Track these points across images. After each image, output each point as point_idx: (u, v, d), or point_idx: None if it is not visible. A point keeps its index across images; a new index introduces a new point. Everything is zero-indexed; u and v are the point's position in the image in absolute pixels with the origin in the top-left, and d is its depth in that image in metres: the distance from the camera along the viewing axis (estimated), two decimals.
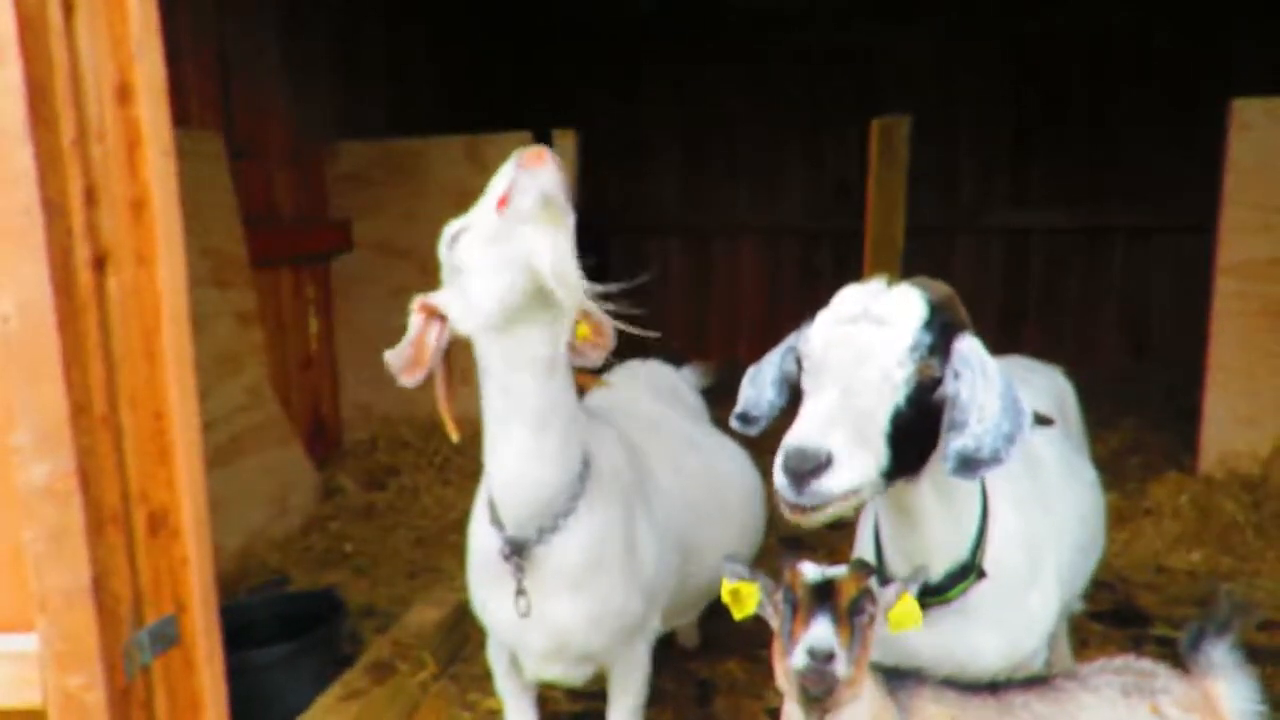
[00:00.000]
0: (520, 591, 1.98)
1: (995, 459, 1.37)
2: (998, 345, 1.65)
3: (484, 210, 1.80)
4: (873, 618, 1.51)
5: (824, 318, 1.49)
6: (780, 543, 3.94)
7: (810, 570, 1.50)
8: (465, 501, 4.41)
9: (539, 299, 1.73)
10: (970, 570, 1.66)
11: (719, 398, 3.13)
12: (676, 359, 3.28)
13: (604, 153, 7.40)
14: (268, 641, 2.76)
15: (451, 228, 1.79)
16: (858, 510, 1.71)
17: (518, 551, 1.94)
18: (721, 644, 3.12)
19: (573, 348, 1.89)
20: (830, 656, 1.40)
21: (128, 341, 1.68)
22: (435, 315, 1.90)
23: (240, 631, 2.70)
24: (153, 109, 1.67)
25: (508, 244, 1.71)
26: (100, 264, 1.63)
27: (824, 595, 1.46)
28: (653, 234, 7.89)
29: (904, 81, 7.12)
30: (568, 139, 4.93)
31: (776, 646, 1.54)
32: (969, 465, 1.38)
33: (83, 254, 1.59)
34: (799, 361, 1.52)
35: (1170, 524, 4.05)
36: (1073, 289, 7.20)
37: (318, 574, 3.90)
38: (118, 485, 1.68)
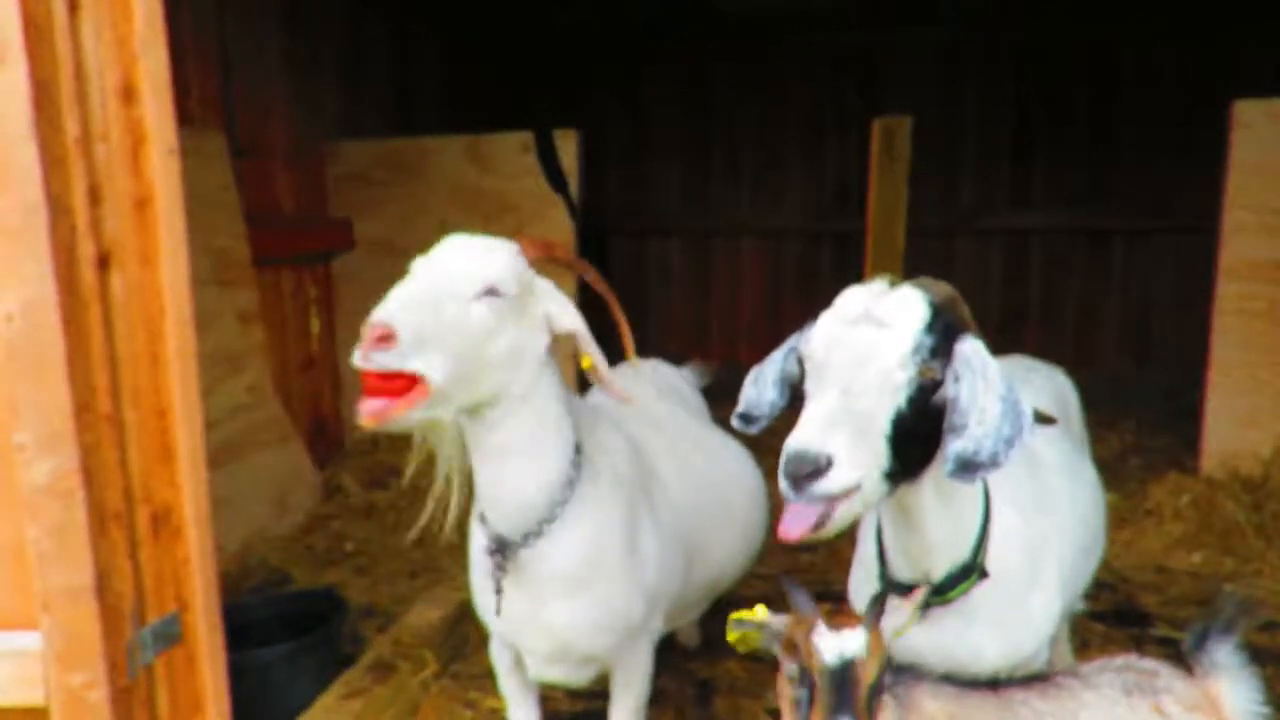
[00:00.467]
0: (498, 590, 2.00)
1: (994, 462, 1.37)
2: (998, 346, 1.65)
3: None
4: (888, 685, 1.47)
5: (826, 319, 1.49)
6: (779, 544, 3.94)
7: (827, 649, 1.40)
8: (466, 501, 4.43)
9: None
10: (972, 570, 1.66)
11: (719, 398, 3.14)
12: (676, 359, 3.29)
13: (605, 153, 7.41)
14: (269, 641, 2.76)
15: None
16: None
17: (500, 550, 1.96)
18: (722, 644, 3.09)
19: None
20: None
21: (131, 340, 1.69)
22: None
23: (242, 630, 2.70)
24: (157, 108, 1.68)
25: None
26: (104, 263, 1.63)
27: (843, 685, 1.38)
28: (654, 235, 7.89)
29: (905, 83, 7.12)
30: (570, 139, 4.94)
31: (786, 708, 1.49)
32: (967, 468, 1.38)
33: (87, 253, 1.59)
34: (801, 362, 1.52)
35: (1171, 525, 4.05)
36: (1073, 290, 7.20)
37: (319, 573, 3.90)
38: (120, 484, 1.68)
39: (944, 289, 1.50)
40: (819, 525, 1.36)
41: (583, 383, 2.14)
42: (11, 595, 1.65)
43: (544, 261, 1.91)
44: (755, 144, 7.64)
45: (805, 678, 1.43)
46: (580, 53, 7.68)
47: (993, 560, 1.68)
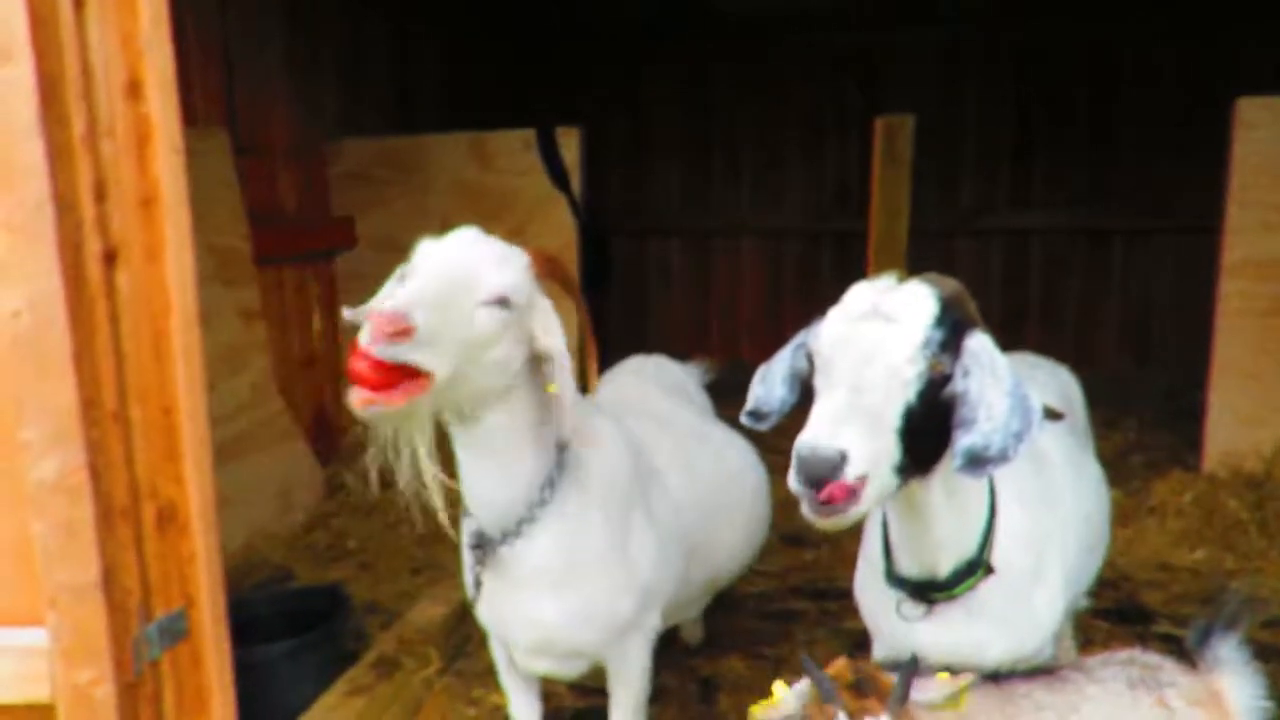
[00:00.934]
0: (477, 583, 2.03)
1: (1003, 457, 1.37)
2: (999, 346, 1.64)
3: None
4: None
5: (835, 315, 1.50)
6: (782, 539, 3.95)
7: None
8: (455, 495, 4.43)
9: None
10: (978, 567, 1.66)
11: (721, 396, 3.15)
12: (679, 358, 3.29)
13: (606, 153, 7.41)
14: (273, 637, 2.76)
15: (415, 256, 1.79)
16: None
17: (480, 545, 1.99)
18: (724, 641, 3.13)
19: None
20: None
21: (137, 337, 1.69)
22: None
23: (246, 627, 2.71)
24: (162, 105, 1.67)
25: None
26: (110, 259, 1.63)
27: None
28: (654, 234, 7.89)
29: (905, 83, 7.11)
30: (572, 137, 4.94)
31: None
32: (977, 463, 1.38)
33: (93, 249, 1.59)
34: (810, 358, 1.52)
35: (1174, 522, 4.06)
36: (1073, 290, 7.20)
37: (321, 570, 3.91)
38: (127, 480, 1.68)
39: (951, 285, 1.50)
40: (842, 510, 1.36)
41: (583, 381, 2.13)
42: (17, 592, 1.65)
43: (543, 278, 1.91)
44: (755, 144, 7.64)
45: None
46: (580, 52, 7.68)
47: (998, 556, 1.68)
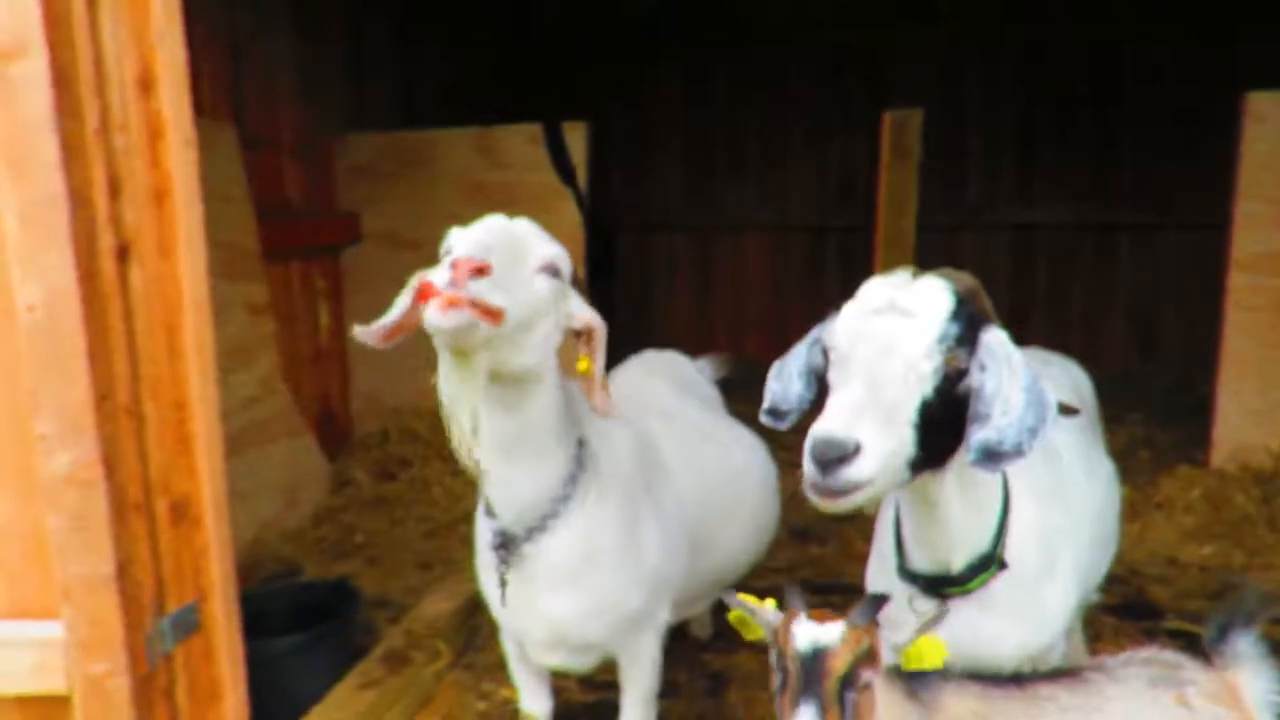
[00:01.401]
0: (502, 582, 2.03)
1: (1018, 451, 1.37)
2: None
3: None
4: (870, 683, 1.44)
5: (850, 310, 1.49)
6: (790, 535, 3.95)
7: (801, 638, 1.42)
8: (475, 493, 4.42)
9: None
10: (991, 561, 1.66)
11: (726, 391, 3.15)
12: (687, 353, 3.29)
13: (610, 149, 7.39)
14: (282, 631, 2.77)
15: (448, 238, 1.78)
16: (876, 502, 1.71)
17: (504, 544, 1.99)
18: (734, 635, 3.10)
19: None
20: None
21: (150, 332, 1.69)
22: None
23: (255, 621, 2.72)
24: (174, 99, 1.68)
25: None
26: (123, 254, 1.63)
27: (812, 672, 1.39)
28: (659, 230, 7.88)
29: (910, 78, 7.09)
30: (578, 132, 4.94)
31: (775, 706, 1.48)
32: (991, 457, 1.38)
33: (106, 244, 1.59)
34: (825, 354, 1.52)
35: (1182, 518, 4.05)
36: (1079, 285, 7.18)
37: (329, 565, 3.92)
38: (140, 474, 1.69)
39: (966, 279, 1.50)
40: (837, 497, 1.36)
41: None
42: (33, 585, 1.66)
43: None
44: (760, 139, 7.62)
45: (780, 664, 1.45)
46: (583, 48, 7.66)
47: (1012, 551, 1.68)
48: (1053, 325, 7.13)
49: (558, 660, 2.18)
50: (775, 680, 1.47)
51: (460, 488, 4.59)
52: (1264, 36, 6.16)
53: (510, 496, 1.94)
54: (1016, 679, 1.58)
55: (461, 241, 1.66)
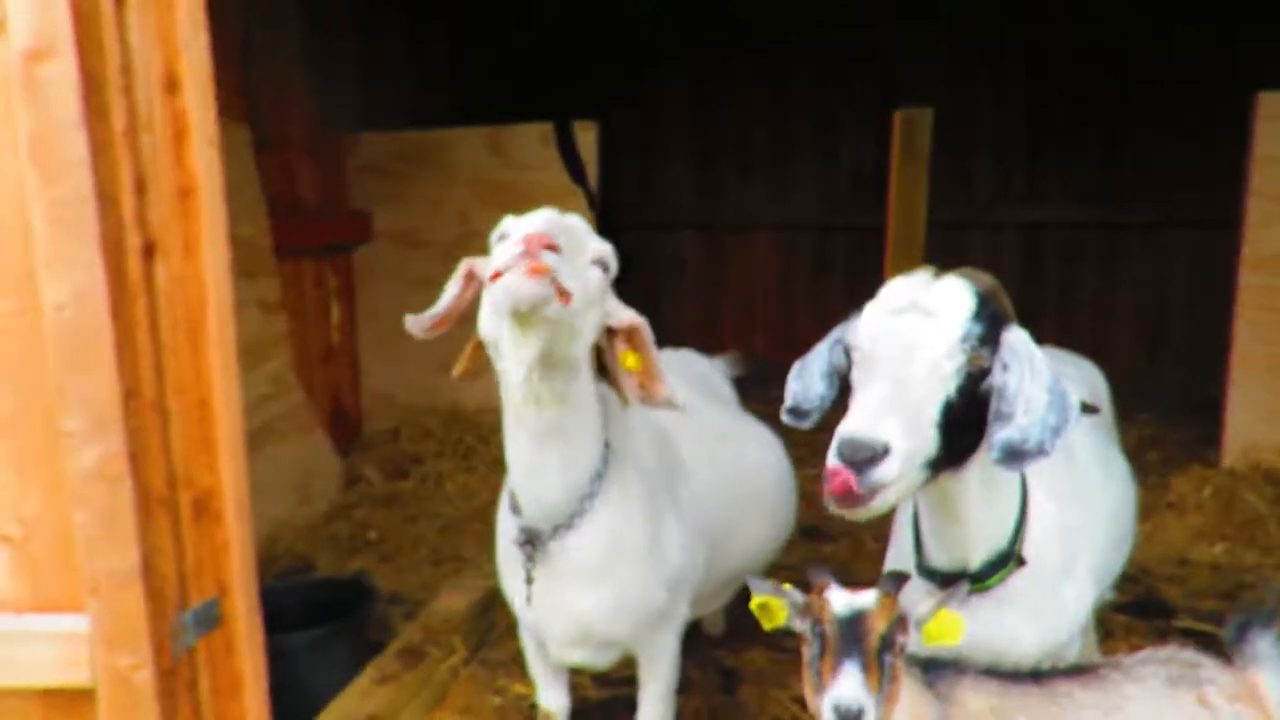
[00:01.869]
0: (528, 580, 2.03)
1: (1041, 450, 1.38)
2: None
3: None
4: (904, 647, 1.48)
5: (873, 309, 1.50)
6: (801, 533, 3.95)
7: (838, 603, 1.47)
8: (488, 490, 4.49)
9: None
10: (1009, 559, 1.67)
11: (739, 390, 3.17)
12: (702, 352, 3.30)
13: (618, 147, 7.40)
14: (297, 627, 2.79)
15: (502, 226, 1.79)
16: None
17: (530, 541, 2.00)
18: (747, 632, 3.14)
19: (616, 372, 1.92)
20: (859, 714, 1.38)
21: (174, 329, 1.71)
22: (475, 279, 1.94)
23: (273, 616, 2.74)
24: (199, 100, 1.70)
25: (495, 301, 1.70)
26: (149, 252, 1.65)
27: (852, 633, 1.43)
28: (667, 228, 7.88)
29: (919, 77, 7.08)
30: (589, 131, 4.95)
31: (806, 676, 1.51)
32: (1015, 456, 1.39)
33: (133, 242, 1.61)
34: (848, 353, 1.53)
35: (1193, 517, 4.05)
36: (1088, 284, 7.17)
37: (342, 561, 3.94)
38: (164, 470, 1.71)
39: (987, 279, 1.51)
40: (861, 501, 1.37)
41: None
42: (59, 578, 1.68)
43: None
44: (768, 137, 7.62)
45: (817, 631, 1.48)
46: (593, 47, 7.66)
47: (1030, 549, 1.69)
48: (1061, 324, 7.11)
49: (579, 657, 2.19)
50: (809, 650, 1.49)
51: (473, 485, 4.62)
52: (1276, 36, 6.15)
53: (540, 490, 1.94)
54: (1034, 675, 1.58)
55: (525, 224, 1.68)
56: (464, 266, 1.97)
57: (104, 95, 1.54)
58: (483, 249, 2.11)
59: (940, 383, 1.41)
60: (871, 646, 1.42)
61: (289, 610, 2.96)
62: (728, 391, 3.02)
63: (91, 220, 1.52)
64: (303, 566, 3.90)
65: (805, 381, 1.68)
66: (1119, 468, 2.23)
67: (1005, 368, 1.43)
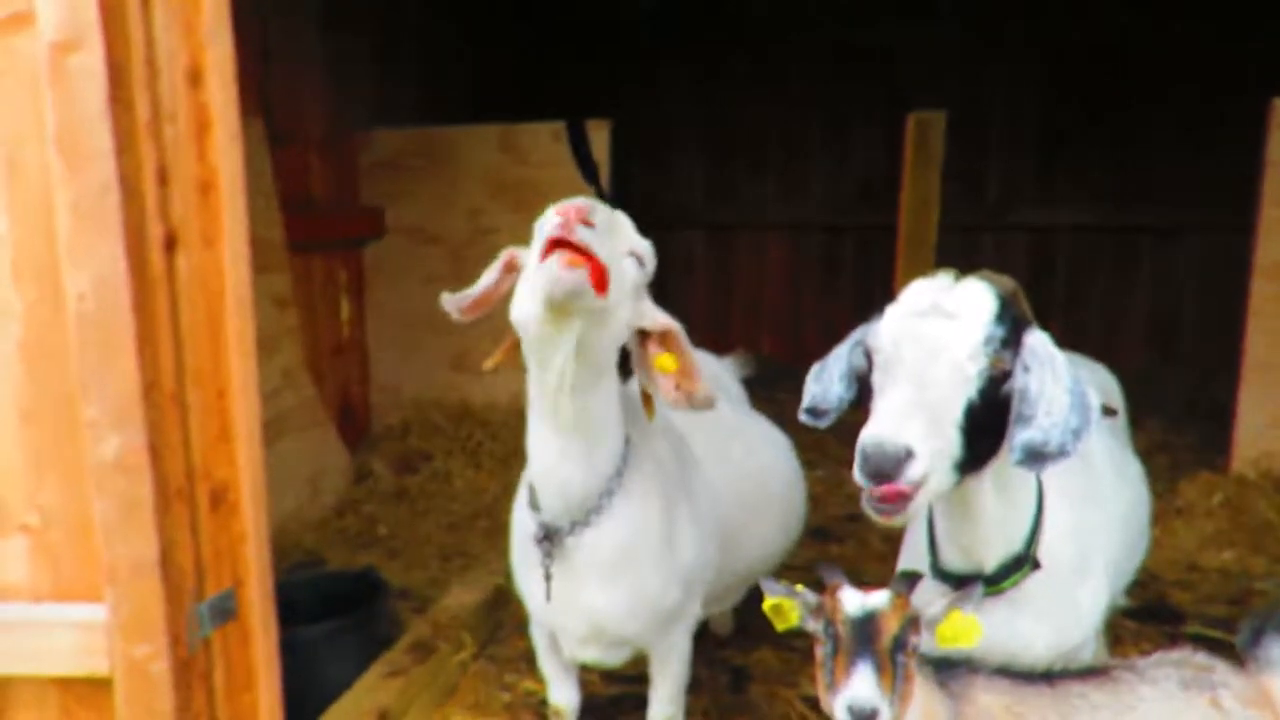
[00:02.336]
0: (547, 576, 2.03)
1: (1062, 452, 1.38)
2: None
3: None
4: (917, 648, 1.49)
5: (894, 312, 1.51)
6: (809, 534, 3.95)
7: (850, 602, 1.47)
8: (497, 486, 4.50)
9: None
10: (1024, 561, 1.67)
11: (748, 390, 3.17)
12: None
13: (628, 145, 7.40)
14: (310, 619, 2.80)
15: (547, 215, 1.80)
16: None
17: (549, 537, 1.99)
18: (756, 632, 3.14)
19: (649, 375, 1.92)
20: (873, 714, 1.38)
21: (194, 321, 1.72)
22: (516, 269, 1.94)
23: (285, 609, 2.74)
24: (222, 93, 1.71)
25: (533, 287, 1.70)
26: (170, 244, 1.66)
27: (865, 634, 1.43)
28: (676, 228, 7.87)
29: (931, 77, 7.07)
30: (602, 130, 4.96)
31: (819, 677, 1.52)
32: (1036, 458, 1.39)
33: (155, 234, 1.62)
34: (868, 356, 1.54)
35: (1203, 523, 4.04)
36: (1098, 287, 7.15)
37: (351, 556, 3.95)
38: (183, 461, 1.72)
39: (1007, 282, 1.51)
40: (898, 509, 1.38)
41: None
42: (77, 567, 1.69)
43: None
44: (778, 137, 7.61)
45: (830, 632, 1.48)
46: (603, 45, 7.66)
47: (1045, 551, 1.69)
48: (1071, 327, 7.10)
49: (592, 655, 2.19)
50: (822, 650, 1.50)
51: (481, 481, 4.63)
52: None
53: (563, 485, 1.94)
54: (1047, 676, 1.59)
55: (563, 203, 1.68)
56: (505, 255, 1.99)
57: (129, 87, 1.55)
58: (494, 246, 2.12)
59: (963, 385, 1.41)
60: (884, 647, 1.43)
61: (301, 603, 2.97)
62: (738, 391, 3.02)
63: (115, 211, 1.53)
64: (312, 560, 3.91)
65: (824, 383, 1.68)
66: (1133, 472, 2.23)
67: (1026, 370, 1.44)
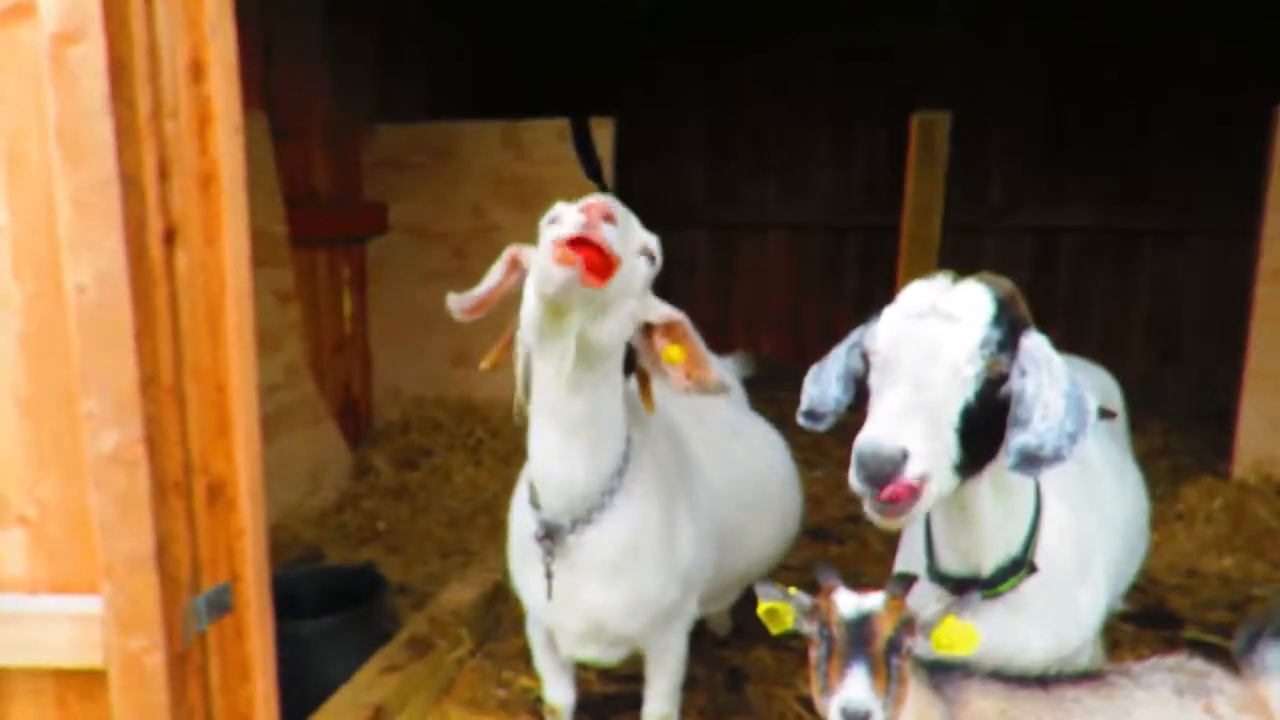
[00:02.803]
0: (548, 574, 2.03)
1: (1058, 456, 1.38)
2: None
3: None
4: (911, 651, 1.48)
5: (891, 314, 1.50)
6: (808, 534, 3.96)
7: (845, 604, 1.47)
8: (496, 483, 4.50)
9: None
10: (1022, 565, 1.67)
11: (748, 390, 3.17)
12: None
13: (631, 144, 7.39)
14: (309, 614, 2.80)
15: (553, 210, 1.79)
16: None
17: (550, 535, 1.99)
18: (753, 632, 3.13)
19: (657, 367, 1.92)
20: (866, 717, 1.38)
21: (194, 315, 1.72)
22: (519, 267, 1.93)
23: (281, 603, 2.75)
24: (224, 87, 1.71)
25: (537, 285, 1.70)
26: (170, 238, 1.66)
27: (859, 636, 1.43)
28: (679, 227, 7.86)
29: (934, 78, 7.05)
30: (605, 128, 4.95)
31: (813, 678, 1.52)
32: (1031, 462, 1.39)
33: (155, 227, 1.62)
34: (865, 358, 1.53)
35: (1203, 528, 4.03)
36: (1101, 290, 7.13)
37: (351, 551, 3.96)
38: (181, 455, 1.72)
39: (1006, 284, 1.51)
40: (903, 509, 1.37)
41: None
42: (74, 560, 1.69)
43: None
44: (781, 138, 7.60)
45: (825, 634, 1.48)
46: (608, 44, 7.65)
47: (1042, 555, 1.69)
48: (1074, 329, 7.08)
49: (590, 653, 2.19)
50: (816, 652, 1.50)
51: (481, 478, 4.63)
52: None
53: (566, 482, 1.93)
54: (1041, 680, 1.58)
55: (581, 201, 1.68)
56: (509, 253, 1.98)
57: (130, 80, 1.55)
58: (496, 243, 2.11)
59: (960, 388, 1.41)
60: (879, 649, 1.43)
61: (301, 597, 2.97)
62: (737, 392, 3.02)
63: (115, 204, 1.53)
64: (312, 555, 3.92)
65: (822, 385, 1.67)
66: (1132, 476, 2.22)
67: (1023, 373, 1.43)
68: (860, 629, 1.44)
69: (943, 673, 1.58)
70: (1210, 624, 3.33)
